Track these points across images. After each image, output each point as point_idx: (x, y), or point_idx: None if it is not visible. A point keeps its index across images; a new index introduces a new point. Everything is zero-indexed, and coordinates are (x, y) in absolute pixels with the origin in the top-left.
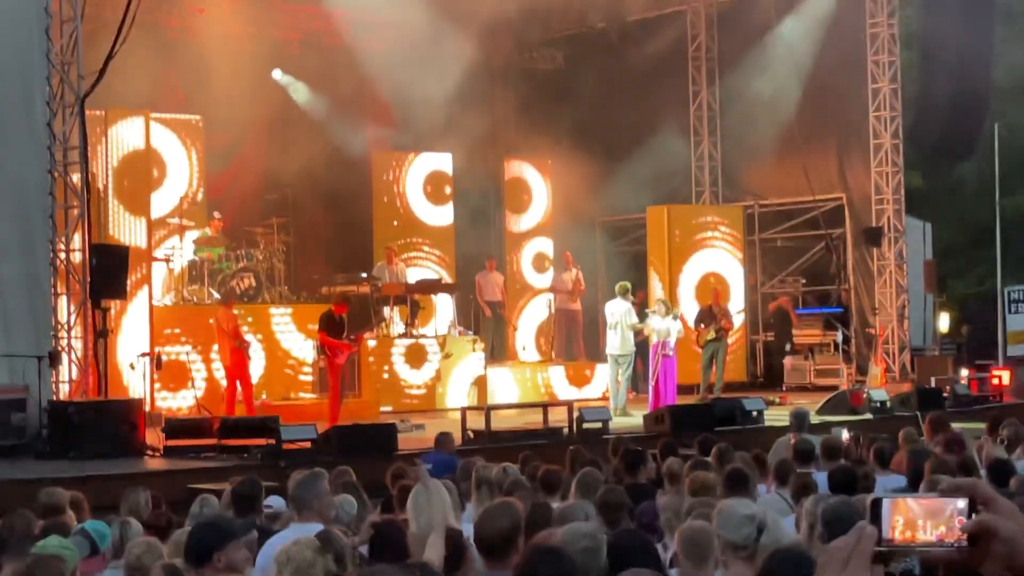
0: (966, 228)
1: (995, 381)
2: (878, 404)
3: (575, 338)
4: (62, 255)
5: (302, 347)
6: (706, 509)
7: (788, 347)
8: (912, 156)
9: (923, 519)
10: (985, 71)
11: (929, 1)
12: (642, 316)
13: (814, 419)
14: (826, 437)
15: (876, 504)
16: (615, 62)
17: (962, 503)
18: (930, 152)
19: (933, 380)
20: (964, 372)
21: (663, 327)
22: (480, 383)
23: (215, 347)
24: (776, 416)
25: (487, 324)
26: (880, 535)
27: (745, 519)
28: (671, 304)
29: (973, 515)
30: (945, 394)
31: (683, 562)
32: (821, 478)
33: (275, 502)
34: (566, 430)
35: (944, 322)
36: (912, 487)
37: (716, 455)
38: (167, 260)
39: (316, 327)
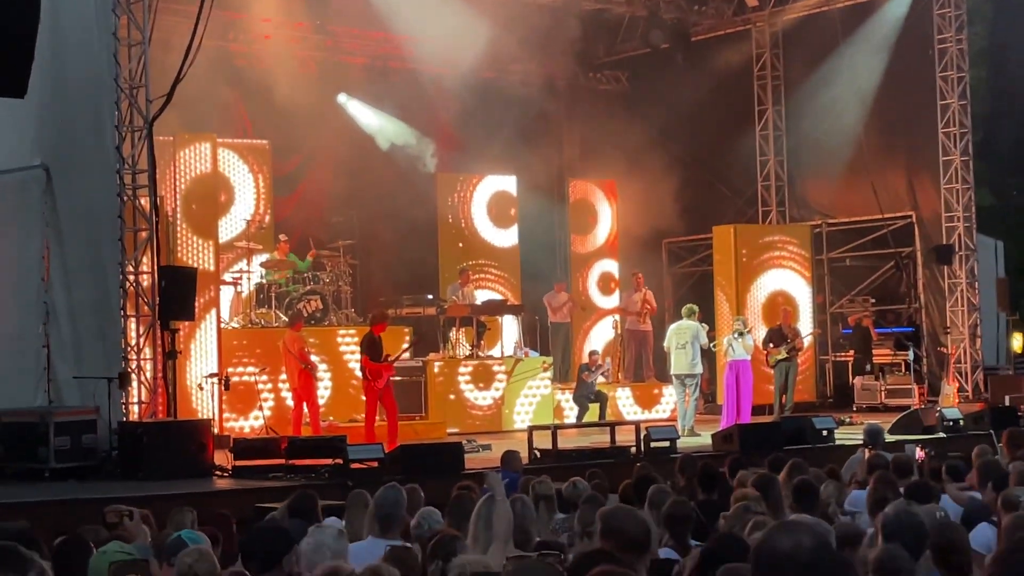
0: None
1: None
2: (951, 423)
3: (645, 359)
4: (131, 277)
5: None
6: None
7: (868, 367)
8: (983, 173)
9: None
10: None
11: (998, 18)
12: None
13: (886, 438)
14: (897, 454)
15: None
16: (680, 82)
17: None
18: (1001, 169)
19: (1007, 399)
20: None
21: (737, 344)
22: (547, 403)
23: (283, 369)
24: (847, 435)
25: (556, 345)
26: None
27: None
28: (745, 321)
29: None
30: (1020, 412)
31: None
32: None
33: (334, 523)
34: (633, 449)
35: (1018, 341)
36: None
37: (788, 471)
38: (235, 283)
39: (360, 351)
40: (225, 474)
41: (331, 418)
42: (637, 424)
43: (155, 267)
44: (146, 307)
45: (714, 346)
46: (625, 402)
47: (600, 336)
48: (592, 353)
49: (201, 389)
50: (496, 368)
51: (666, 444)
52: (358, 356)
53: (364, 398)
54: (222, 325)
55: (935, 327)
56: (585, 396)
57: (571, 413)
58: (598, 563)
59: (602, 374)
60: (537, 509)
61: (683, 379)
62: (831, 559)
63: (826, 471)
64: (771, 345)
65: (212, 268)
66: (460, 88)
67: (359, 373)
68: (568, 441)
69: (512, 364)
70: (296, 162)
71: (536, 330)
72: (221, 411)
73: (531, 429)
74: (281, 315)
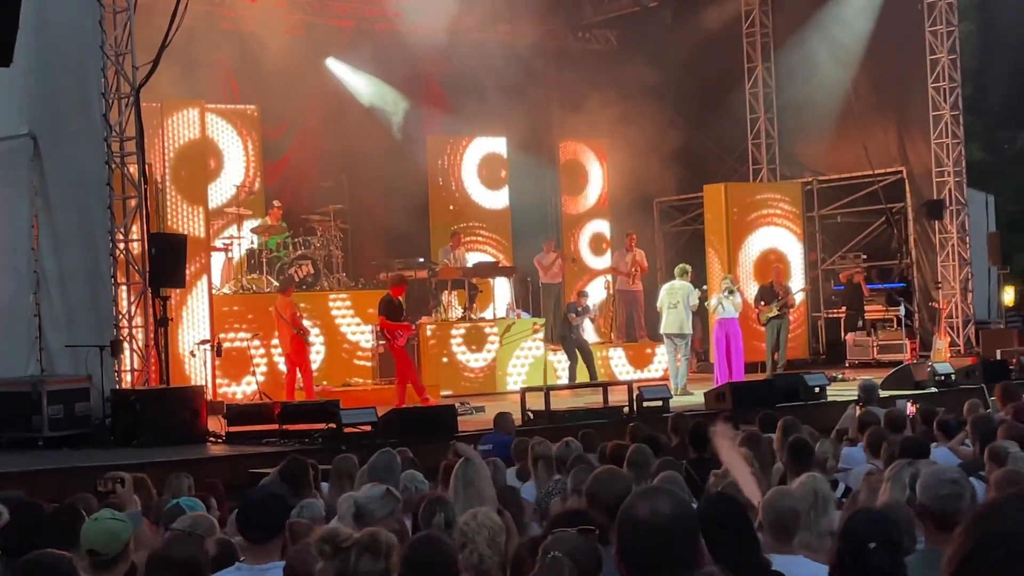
0: None
1: None
2: (942, 377)
3: (636, 319)
4: (121, 245)
5: (361, 333)
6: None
7: (860, 323)
8: (973, 128)
9: None
10: None
11: None
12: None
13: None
14: (890, 409)
15: None
16: (669, 41)
17: None
18: (991, 123)
19: (999, 353)
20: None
21: (727, 303)
22: (540, 365)
23: (275, 334)
24: (839, 392)
25: (548, 306)
26: None
27: None
28: (734, 280)
29: None
30: (1011, 366)
31: (767, 537)
32: (858, 453)
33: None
34: (626, 409)
35: (1009, 295)
36: (980, 455)
37: (781, 429)
38: (226, 249)
39: (377, 313)
40: (219, 440)
41: (324, 383)
42: (630, 384)
43: (145, 234)
44: (137, 275)
45: (707, 304)
46: (618, 362)
47: (592, 296)
48: (580, 294)
49: (193, 356)
50: (488, 330)
51: (659, 403)
52: (354, 321)
53: (374, 363)
54: (213, 291)
55: (926, 282)
56: (572, 340)
57: (564, 374)
58: (570, 522)
59: (589, 317)
60: (538, 469)
61: (673, 338)
62: (687, 524)
63: (836, 436)
64: (762, 303)
65: (202, 234)
66: (448, 50)
67: (373, 337)
68: (561, 402)
69: (504, 326)
70: (284, 127)
71: (528, 292)
72: (214, 377)
73: (524, 391)
74: (272, 280)
